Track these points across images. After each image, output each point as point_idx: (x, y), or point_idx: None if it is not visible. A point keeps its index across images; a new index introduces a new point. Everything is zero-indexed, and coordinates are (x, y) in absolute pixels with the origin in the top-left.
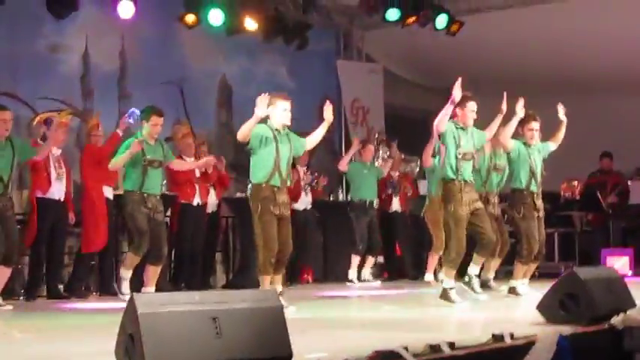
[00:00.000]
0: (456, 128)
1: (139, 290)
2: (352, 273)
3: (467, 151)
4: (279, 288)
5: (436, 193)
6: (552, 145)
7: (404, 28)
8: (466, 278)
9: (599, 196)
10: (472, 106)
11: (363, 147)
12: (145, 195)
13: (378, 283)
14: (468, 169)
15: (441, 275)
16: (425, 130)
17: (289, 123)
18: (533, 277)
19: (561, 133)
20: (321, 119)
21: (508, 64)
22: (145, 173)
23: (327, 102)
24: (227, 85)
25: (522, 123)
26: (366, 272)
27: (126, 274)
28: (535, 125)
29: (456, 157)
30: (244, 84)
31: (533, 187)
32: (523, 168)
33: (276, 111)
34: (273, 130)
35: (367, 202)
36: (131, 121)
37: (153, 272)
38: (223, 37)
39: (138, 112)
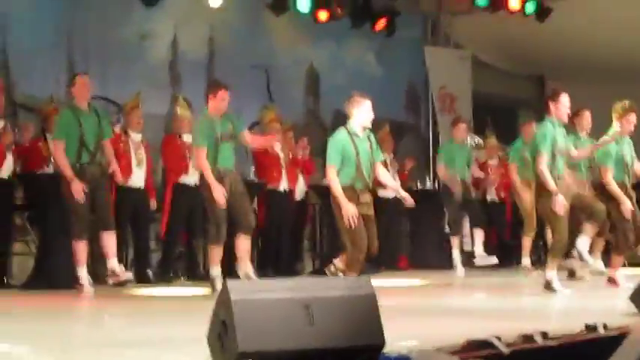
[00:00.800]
0: (553, 126)
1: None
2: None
3: (561, 148)
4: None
5: (522, 176)
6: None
7: (493, 14)
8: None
9: None
10: (564, 99)
11: (454, 125)
12: (222, 170)
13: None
14: (561, 162)
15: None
16: (513, 118)
17: (370, 125)
18: (622, 266)
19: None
20: (409, 108)
21: (598, 49)
22: (216, 149)
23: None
24: (314, 72)
25: (621, 113)
26: (479, 249)
27: (216, 270)
28: (633, 118)
29: (553, 154)
30: (332, 71)
31: (624, 178)
32: (613, 159)
33: (360, 111)
34: (352, 134)
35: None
36: None
37: (244, 243)
38: (311, 24)
39: None
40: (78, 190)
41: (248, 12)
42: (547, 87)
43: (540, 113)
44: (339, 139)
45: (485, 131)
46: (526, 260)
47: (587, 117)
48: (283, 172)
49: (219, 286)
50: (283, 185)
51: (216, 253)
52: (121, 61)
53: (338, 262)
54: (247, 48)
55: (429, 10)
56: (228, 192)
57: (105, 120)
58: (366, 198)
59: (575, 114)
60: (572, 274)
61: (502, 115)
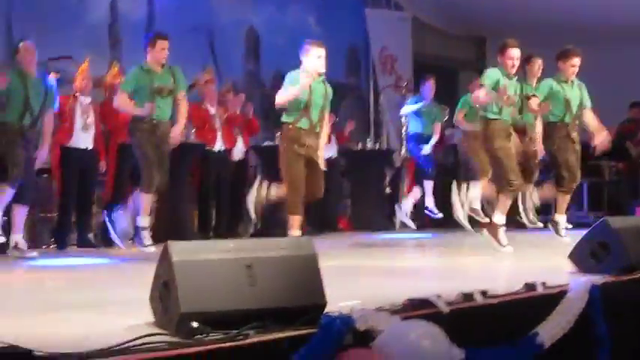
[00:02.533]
0: (502, 75)
1: None
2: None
3: (510, 95)
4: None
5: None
6: (588, 113)
7: None
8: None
9: (629, 145)
10: (512, 52)
11: (423, 83)
12: (155, 122)
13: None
14: (508, 110)
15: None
16: (455, 79)
17: (324, 70)
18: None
19: (595, 132)
20: (350, 69)
21: (539, 10)
22: (152, 100)
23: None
24: (255, 34)
25: (564, 58)
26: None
27: (145, 221)
28: (577, 61)
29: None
30: (272, 33)
31: (568, 119)
32: (558, 102)
33: (309, 58)
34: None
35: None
36: None
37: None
38: None
39: None
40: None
41: None
42: (488, 48)
43: (481, 74)
44: (295, 75)
45: None
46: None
47: (538, 63)
48: (218, 133)
49: (147, 239)
50: (218, 145)
51: (148, 201)
52: (59, 24)
53: (276, 189)
54: (187, 9)
55: None
56: (156, 144)
57: (51, 92)
58: (312, 141)
59: (526, 60)
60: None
61: (443, 77)
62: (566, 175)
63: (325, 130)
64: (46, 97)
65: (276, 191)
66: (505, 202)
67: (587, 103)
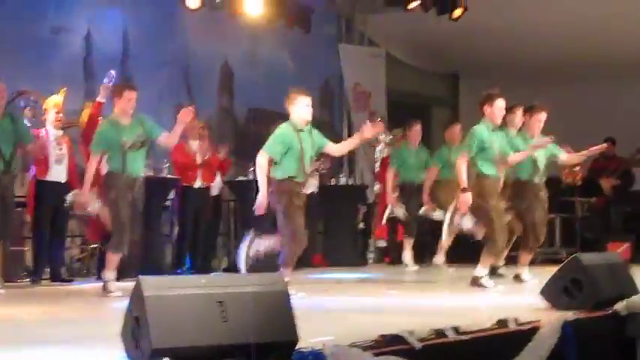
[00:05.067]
0: (488, 130)
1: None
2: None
3: (500, 151)
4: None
5: (443, 176)
6: (562, 155)
7: (406, 12)
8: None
9: (601, 182)
10: (500, 103)
11: (409, 128)
12: (131, 178)
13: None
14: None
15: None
16: (428, 116)
17: (310, 118)
18: (533, 263)
19: (577, 158)
20: (324, 105)
21: (511, 48)
22: (123, 156)
23: (369, 123)
24: (229, 69)
25: (530, 112)
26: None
27: (110, 275)
28: (543, 117)
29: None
30: (246, 68)
31: (536, 179)
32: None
33: (297, 107)
34: (296, 130)
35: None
36: (109, 82)
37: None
38: (226, 20)
39: (113, 72)
40: None
41: (162, 6)
42: (461, 84)
43: (454, 111)
44: (282, 133)
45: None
46: (440, 258)
47: (520, 115)
48: (199, 171)
49: (113, 288)
50: (198, 183)
51: (114, 260)
52: (34, 56)
53: (265, 242)
54: (162, 43)
55: (343, 7)
56: (131, 201)
57: (22, 126)
58: (303, 189)
59: (508, 110)
60: (493, 272)
61: (416, 112)
62: (531, 237)
63: (338, 145)
64: (17, 137)
65: (266, 245)
66: (487, 260)
67: (556, 151)
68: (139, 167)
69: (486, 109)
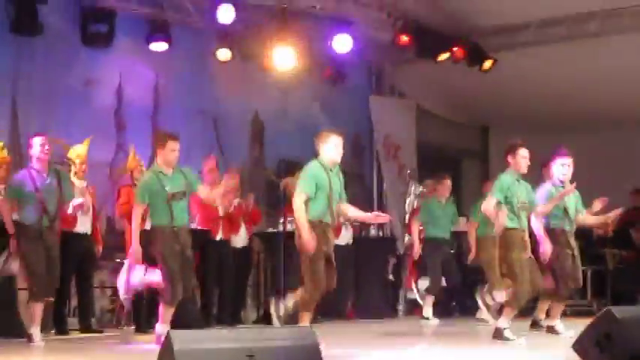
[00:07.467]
0: (513, 179)
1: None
2: (427, 311)
3: (524, 201)
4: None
5: (483, 233)
6: (581, 215)
7: (437, 64)
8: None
9: (632, 233)
10: (523, 152)
11: (439, 182)
12: (176, 229)
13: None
14: (524, 217)
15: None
16: (458, 168)
17: (339, 160)
18: (564, 315)
19: (598, 221)
20: (354, 156)
21: (541, 100)
22: (168, 207)
23: (377, 213)
24: (259, 121)
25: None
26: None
27: (163, 329)
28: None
29: (512, 207)
30: (277, 119)
31: (567, 227)
32: (556, 208)
33: (327, 146)
34: (325, 168)
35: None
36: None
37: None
38: (257, 72)
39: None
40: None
41: (194, 58)
42: (491, 137)
43: (484, 163)
44: (314, 170)
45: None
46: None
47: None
48: (220, 222)
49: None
50: (219, 235)
51: (169, 313)
52: (65, 108)
53: (289, 301)
54: (193, 95)
55: (374, 59)
56: (180, 251)
57: (68, 183)
58: (332, 236)
59: (543, 164)
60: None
61: (447, 164)
62: (562, 285)
63: (355, 209)
64: (62, 194)
65: (293, 300)
66: (510, 312)
67: (580, 207)
68: (183, 217)
69: (510, 158)
